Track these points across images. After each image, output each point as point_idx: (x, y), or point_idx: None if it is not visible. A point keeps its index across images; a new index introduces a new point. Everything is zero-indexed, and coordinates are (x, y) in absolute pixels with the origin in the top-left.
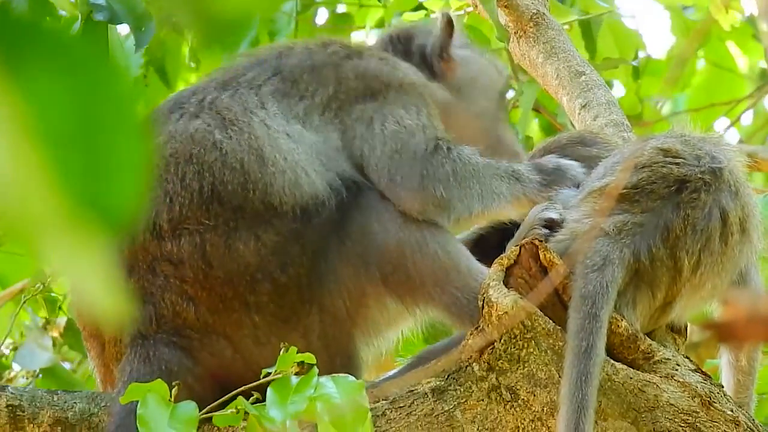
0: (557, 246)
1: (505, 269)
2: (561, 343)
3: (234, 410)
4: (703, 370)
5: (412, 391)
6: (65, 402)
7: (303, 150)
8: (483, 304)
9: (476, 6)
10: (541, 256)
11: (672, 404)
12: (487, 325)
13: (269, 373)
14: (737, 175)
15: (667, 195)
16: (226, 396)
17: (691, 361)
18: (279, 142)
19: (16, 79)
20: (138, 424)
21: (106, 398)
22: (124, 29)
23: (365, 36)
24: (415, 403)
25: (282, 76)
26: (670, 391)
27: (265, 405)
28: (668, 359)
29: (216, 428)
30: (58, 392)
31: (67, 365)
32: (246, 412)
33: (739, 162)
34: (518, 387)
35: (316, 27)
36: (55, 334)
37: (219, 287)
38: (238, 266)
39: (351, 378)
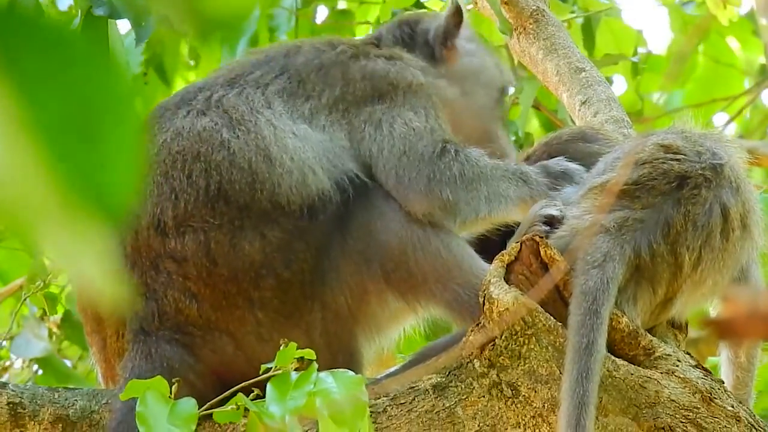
0: (558, 242)
1: (506, 266)
2: (562, 340)
3: (234, 406)
4: (704, 366)
5: (413, 387)
6: (66, 399)
7: (310, 148)
8: (484, 301)
9: (476, 2)
10: (541, 252)
11: (673, 400)
12: (488, 322)
13: (269, 369)
14: (738, 171)
15: (667, 191)
16: (227, 392)
17: (691, 357)
18: (285, 142)
19: (14, 72)
20: (137, 422)
21: (107, 395)
22: (124, 25)
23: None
24: (416, 399)
25: (289, 75)
26: (670, 387)
27: (265, 401)
28: (669, 355)
29: (217, 425)
30: (59, 390)
31: (67, 363)
32: (246, 409)
33: (739, 158)
34: (519, 383)
35: (316, 24)
36: (53, 327)
37: (222, 284)
38: (242, 264)
39: (350, 373)
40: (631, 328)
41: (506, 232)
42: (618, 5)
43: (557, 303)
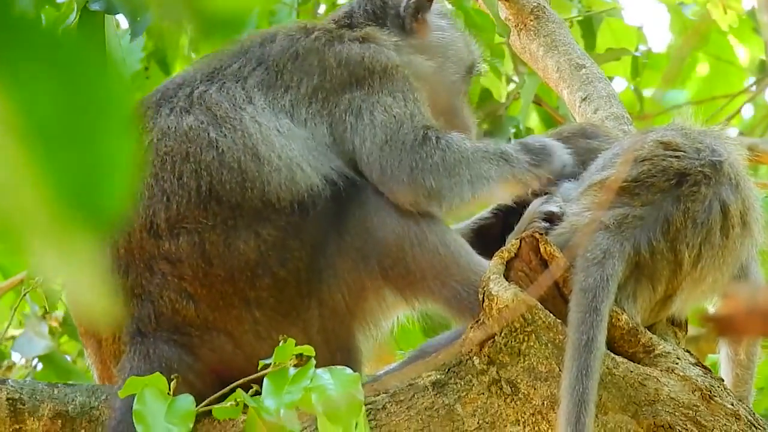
0: (557, 239)
1: (505, 262)
2: (561, 337)
3: (233, 403)
4: (704, 363)
5: (413, 384)
6: (65, 395)
7: (295, 146)
8: (483, 298)
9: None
10: (541, 249)
11: (672, 398)
12: (488, 319)
13: (268, 365)
14: (737, 168)
15: (667, 188)
16: (226, 389)
17: (691, 354)
18: (272, 140)
19: (5, 76)
20: (135, 420)
21: (106, 391)
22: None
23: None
24: (416, 396)
25: (266, 66)
26: (670, 385)
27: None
28: (669, 353)
29: (216, 421)
30: (59, 385)
31: (67, 358)
32: (245, 405)
33: (739, 155)
34: (519, 380)
35: (317, 18)
36: (54, 323)
37: (219, 284)
38: (238, 263)
39: (348, 370)
40: (630, 325)
41: (505, 228)
42: (619, 4)
43: (557, 300)
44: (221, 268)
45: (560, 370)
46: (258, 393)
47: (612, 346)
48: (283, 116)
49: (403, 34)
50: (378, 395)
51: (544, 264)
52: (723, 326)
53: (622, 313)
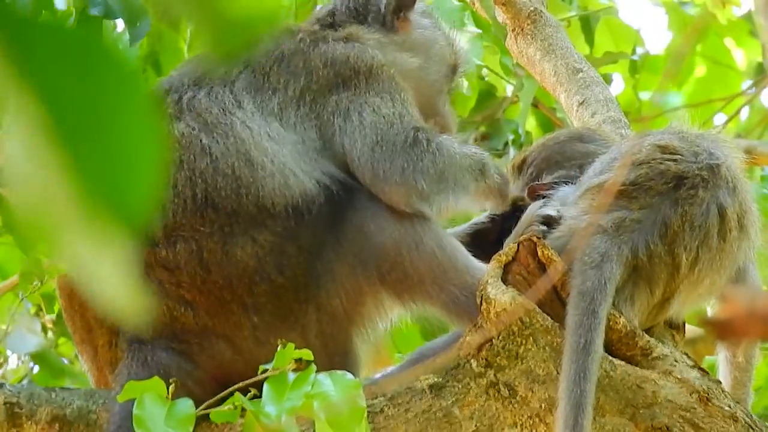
0: (555, 243)
1: (503, 266)
2: (559, 340)
3: (231, 406)
4: (701, 366)
5: (411, 387)
6: (63, 399)
7: (287, 151)
8: (481, 301)
9: (474, 3)
10: (539, 252)
11: (670, 400)
12: (486, 322)
13: (267, 370)
14: (735, 172)
15: (664, 191)
16: (224, 392)
17: (689, 357)
18: (264, 145)
19: (34, 79)
20: (134, 425)
21: (104, 395)
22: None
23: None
24: (414, 399)
25: (252, 68)
26: (668, 387)
27: (262, 401)
28: (666, 355)
29: (214, 425)
30: (56, 389)
31: (64, 360)
32: (243, 409)
33: (736, 158)
34: (516, 383)
35: None
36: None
37: (217, 291)
38: (235, 269)
39: (348, 375)
40: (628, 328)
41: (503, 232)
42: (616, 4)
43: (555, 303)
44: (219, 275)
45: (558, 373)
46: (256, 397)
47: (610, 349)
48: (272, 120)
49: (385, 33)
50: (376, 398)
51: (542, 267)
52: (722, 329)
53: (620, 316)
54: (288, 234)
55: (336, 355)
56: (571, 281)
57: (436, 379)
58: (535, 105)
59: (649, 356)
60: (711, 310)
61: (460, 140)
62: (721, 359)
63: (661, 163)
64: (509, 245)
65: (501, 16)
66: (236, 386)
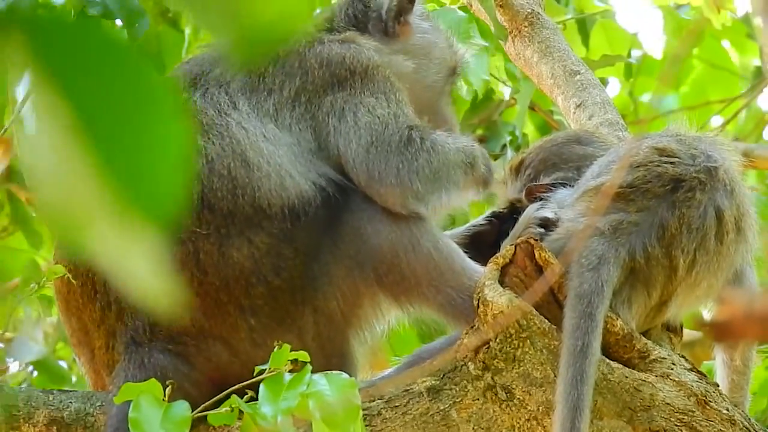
0: (553, 245)
1: (500, 268)
2: (556, 342)
3: (228, 409)
4: (699, 369)
5: (408, 390)
6: (60, 401)
7: (283, 152)
8: (478, 303)
9: (471, 5)
10: (536, 255)
11: (668, 403)
12: (483, 325)
13: (263, 371)
14: (732, 174)
15: (662, 194)
16: (221, 394)
17: (686, 360)
18: (260, 146)
19: (65, 81)
20: (131, 427)
21: (101, 398)
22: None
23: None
24: (411, 402)
25: (248, 69)
26: (665, 390)
27: (258, 402)
28: (664, 358)
29: (211, 427)
30: (54, 392)
31: (63, 364)
32: (241, 411)
33: (734, 161)
34: (514, 386)
35: None
36: (49, 329)
37: (214, 293)
38: (232, 271)
39: (344, 375)
40: (625, 331)
41: (500, 234)
42: (613, 7)
43: (552, 306)
44: (216, 277)
45: (555, 376)
46: (253, 399)
47: (607, 351)
48: (267, 121)
49: (384, 38)
50: (373, 401)
51: (539, 270)
52: (720, 331)
53: (617, 319)
54: (284, 235)
55: (333, 357)
56: (568, 284)
57: (433, 382)
58: (532, 108)
59: (647, 359)
60: (708, 312)
61: (453, 134)
62: (718, 362)
63: (658, 166)
64: (506, 247)
65: (498, 18)
66: (233, 388)
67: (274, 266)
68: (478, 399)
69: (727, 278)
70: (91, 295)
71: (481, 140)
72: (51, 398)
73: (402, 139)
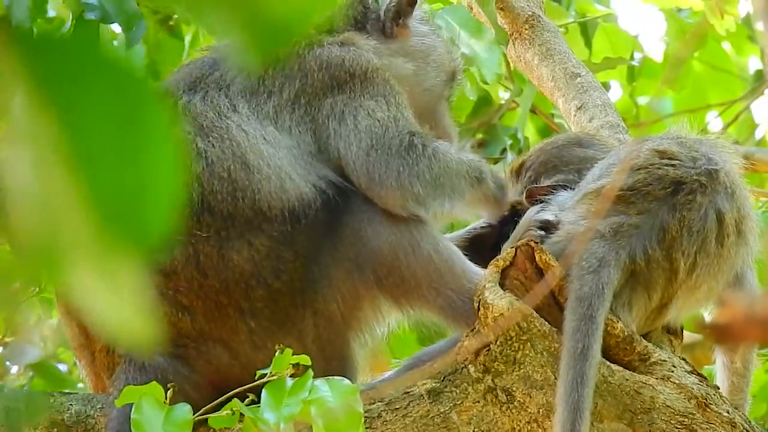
0: (553, 248)
1: (500, 271)
2: (557, 345)
3: (229, 412)
4: (699, 371)
5: (408, 392)
6: (61, 404)
7: (283, 155)
8: (479, 306)
9: (471, 8)
10: (536, 257)
11: (668, 406)
12: (483, 327)
13: (264, 375)
14: (733, 177)
15: (663, 197)
16: (222, 398)
17: (687, 362)
18: (259, 148)
19: (50, 100)
20: (132, 429)
21: (101, 400)
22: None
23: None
24: (411, 404)
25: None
26: (666, 393)
27: (260, 407)
28: (664, 361)
29: (212, 430)
30: (54, 394)
31: (62, 367)
32: (242, 414)
33: (735, 163)
34: (514, 389)
35: None
36: (49, 332)
37: (214, 295)
38: (232, 274)
39: (346, 381)
40: (626, 333)
41: (500, 236)
42: (615, 11)
43: (552, 308)
44: (216, 279)
45: (556, 379)
46: (254, 402)
47: (607, 354)
48: (267, 123)
49: (383, 39)
50: (373, 403)
51: (540, 272)
52: (720, 334)
53: (618, 322)
54: (284, 238)
55: (333, 360)
56: (568, 286)
57: (433, 384)
58: (532, 110)
59: (647, 361)
60: (709, 315)
61: (457, 147)
62: (718, 365)
63: (659, 168)
64: (507, 250)
65: (499, 21)
66: (234, 391)
67: (274, 269)
68: (478, 401)
69: (727, 281)
70: None
71: (481, 144)
72: (52, 400)
73: (403, 143)
